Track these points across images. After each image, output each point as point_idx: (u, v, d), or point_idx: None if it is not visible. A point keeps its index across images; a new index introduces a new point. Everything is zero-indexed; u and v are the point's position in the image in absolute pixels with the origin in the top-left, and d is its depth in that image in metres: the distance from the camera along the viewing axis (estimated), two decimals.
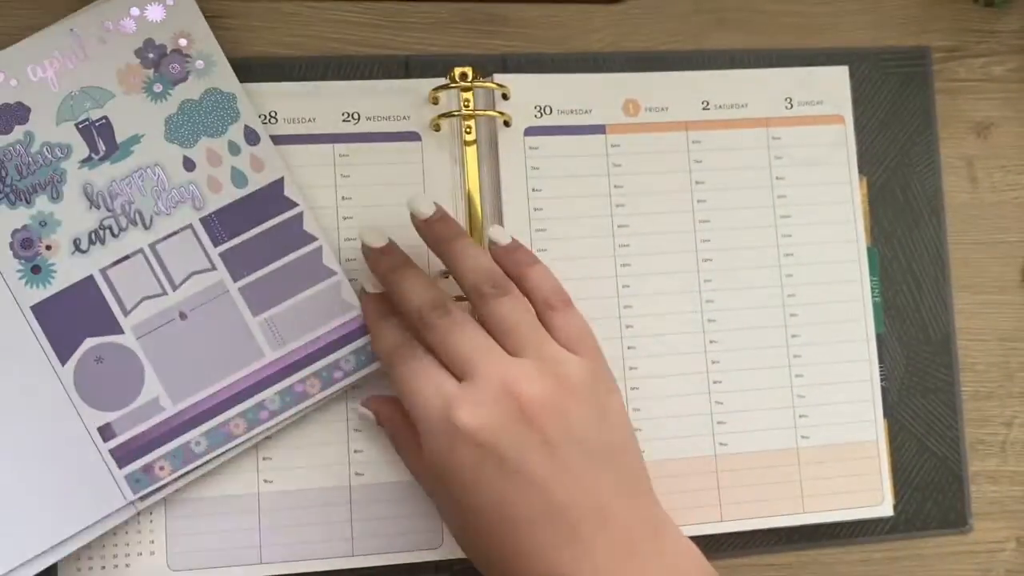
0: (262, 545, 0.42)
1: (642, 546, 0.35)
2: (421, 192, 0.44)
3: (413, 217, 0.40)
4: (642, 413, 0.45)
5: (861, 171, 0.48)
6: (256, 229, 0.42)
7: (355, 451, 0.43)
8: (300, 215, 0.43)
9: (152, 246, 0.42)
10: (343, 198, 0.44)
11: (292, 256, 0.42)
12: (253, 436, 0.42)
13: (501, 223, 0.44)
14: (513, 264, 0.40)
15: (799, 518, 0.45)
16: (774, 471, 0.45)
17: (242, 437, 0.41)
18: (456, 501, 0.36)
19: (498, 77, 0.45)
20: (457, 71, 0.45)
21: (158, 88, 0.42)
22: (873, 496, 0.46)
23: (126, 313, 0.41)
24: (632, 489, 0.36)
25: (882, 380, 0.47)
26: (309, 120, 0.44)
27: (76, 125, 0.42)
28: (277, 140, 0.43)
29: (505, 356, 0.37)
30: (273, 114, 0.44)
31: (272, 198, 0.42)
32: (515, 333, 0.37)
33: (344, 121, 0.44)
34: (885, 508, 0.46)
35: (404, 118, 0.45)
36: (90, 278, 0.41)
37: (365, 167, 0.44)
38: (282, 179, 0.43)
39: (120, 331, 0.41)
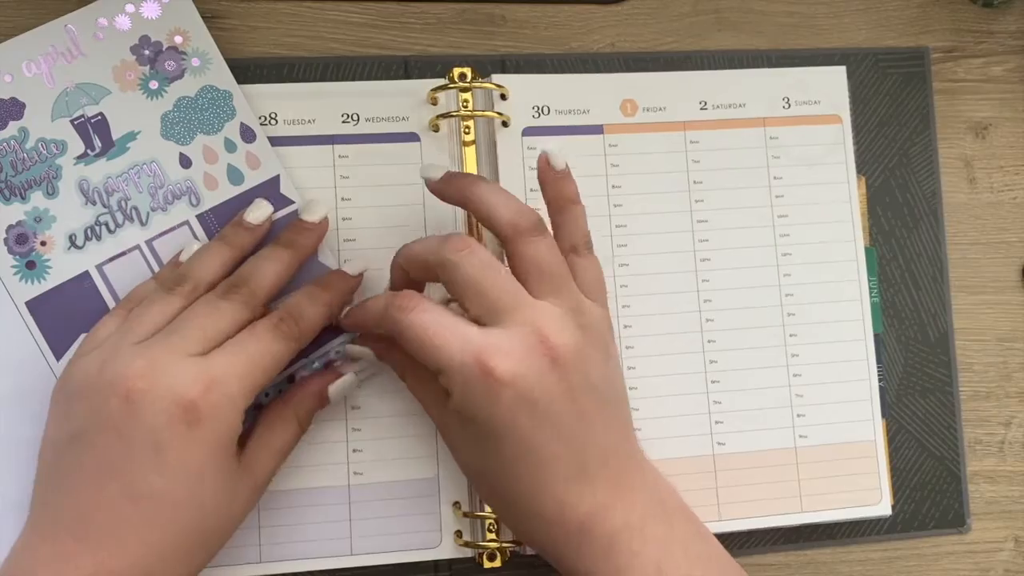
0: (261, 544, 0.42)
1: (632, 478, 0.38)
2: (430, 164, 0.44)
3: (428, 182, 0.41)
4: (641, 412, 0.45)
5: (860, 171, 0.48)
6: None
7: (354, 450, 0.43)
8: (296, 212, 0.43)
9: (148, 242, 0.42)
10: (342, 199, 0.44)
11: None
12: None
13: None
14: (558, 193, 0.40)
15: (797, 517, 0.45)
16: (772, 471, 0.45)
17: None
18: (484, 443, 0.37)
19: (496, 78, 0.45)
20: (456, 72, 0.45)
21: (154, 85, 0.42)
22: (871, 496, 0.46)
23: None
24: (625, 429, 0.39)
25: (880, 380, 0.47)
26: (309, 121, 0.44)
27: (71, 121, 0.42)
28: (277, 141, 0.43)
29: (534, 303, 0.37)
30: (273, 115, 0.44)
31: (268, 195, 0.43)
32: (547, 277, 0.38)
33: (343, 122, 0.44)
34: (883, 508, 0.46)
35: (403, 119, 0.45)
36: (86, 274, 0.41)
37: (364, 168, 0.44)
38: (278, 176, 0.43)
39: None
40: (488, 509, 0.43)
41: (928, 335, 0.49)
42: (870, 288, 0.47)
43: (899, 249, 0.49)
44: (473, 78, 0.45)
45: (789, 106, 0.47)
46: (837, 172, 0.47)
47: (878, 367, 0.47)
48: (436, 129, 0.45)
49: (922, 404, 0.48)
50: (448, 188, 0.40)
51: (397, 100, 0.45)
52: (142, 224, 0.42)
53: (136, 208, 0.42)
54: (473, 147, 0.45)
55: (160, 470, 0.35)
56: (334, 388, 0.41)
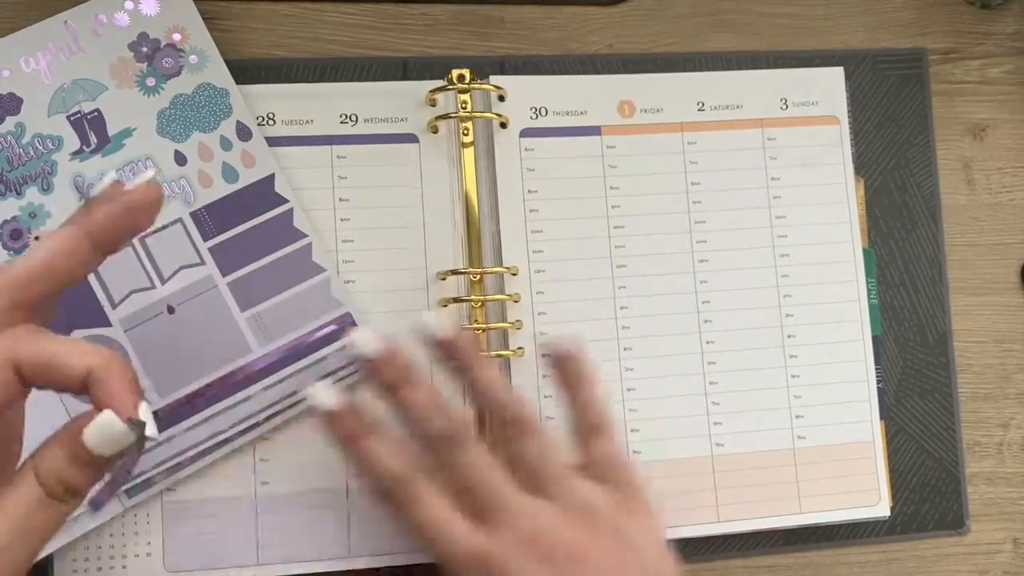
0: (258, 546, 0.42)
1: None
2: (431, 313, 0.40)
3: (425, 337, 0.37)
4: (639, 414, 0.45)
5: (858, 172, 0.48)
6: (246, 224, 0.42)
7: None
8: (290, 211, 0.43)
9: (141, 239, 0.42)
10: (340, 199, 0.44)
11: (281, 252, 0.43)
12: (240, 431, 0.42)
13: (498, 225, 0.45)
14: (568, 373, 0.39)
15: (796, 519, 0.45)
16: (771, 472, 0.45)
17: (229, 432, 0.41)
18: None
19: (495, 79, 0.45)
20: (455, 73, 0.45)
21: (151, 82, 0.42)
22: (870, 497, 0.46)
23: (114, 306, 0.41)
24: None
25: (879, 381, 0.47)
26: (307, 122, 0.44)
27: (68, 117, 0.42)
28: (275, 141, 0.43)
29: (528, 502, 0.36)
30: (271, 115, 0.44)
31: (263, 194, 0.43)
32: (541, 473, 0.37)
33: (342, 123, 0.44)
34: (882, 509, 0.46)
35: (402, 120, 0.45)
36: None
37: (363, 169, 0.44)
38: (273, 175, 0.43)
39: (108, 323, 0.41)
40: None
41: (927, 336, 0.49)
42: (868, 289, 0.47)
43: (897, 250, 0.49)
44: (472, 79, 0.45)
45: (787, 107, 0.47)
46: (835, 173, 0.47)
47: (877, 368, 0.47)
48: (435, 130, 0.45)
49: (921, 405, 0.48)
50: (444, 355, 0.37)
51: (396, 101, 0.45)
52: None
53: None
54: (471, 148, 0.45)
55: None
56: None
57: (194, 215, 0.42)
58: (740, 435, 0.45)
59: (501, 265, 0.44)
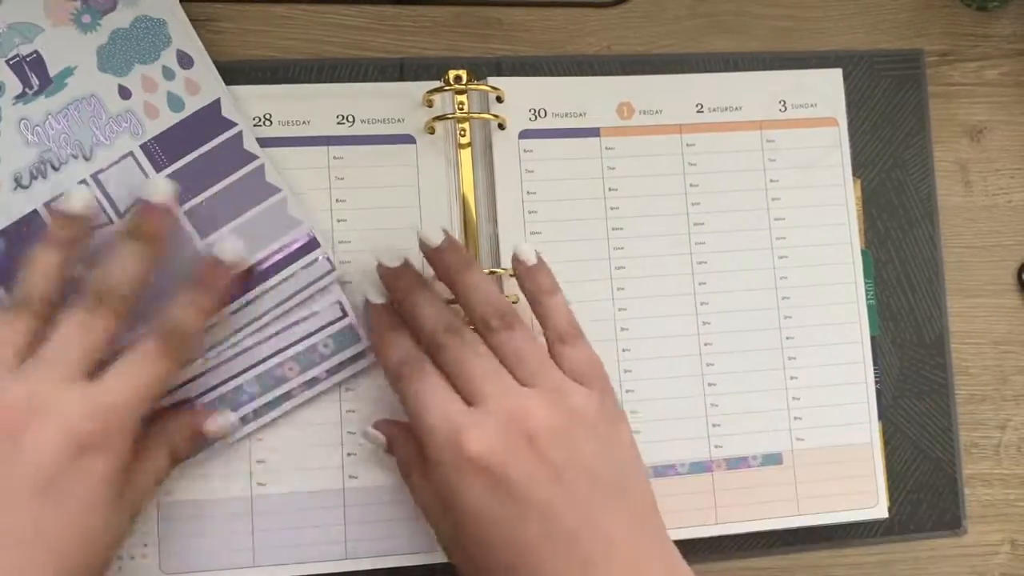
0: (255, 548, 0.42)
1: (648, 570, 0.35)
2: (432, 222, 0.44)
3: (422, 244, 0.40)
4: (638, 416, 0.45)
5: (855, 174, 0.48)
6: (196, 152, 0.42)
7: (348, 454, 0.43)
8: (240, 135, 0.43)
9: (94, 176, 0.42)
10: (337, 200, 0.44)
11: (235, 176, 0.42)
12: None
13: (496, 226, 0.44)
14: (534, 287, 0.40)
15: (794, 520, 0.45)
16: (769, 473, 0.45)
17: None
18: (464, 530, 0.36)
19: (492, 80, 0.45)
20: (452, 74, 0.45)
21: (86, 19, 0.42)
22: (868, 498, 0.46)
23: None
24: (639, 520, 0.36)
25: (876, 383, 0.47)
26: (303, 123, 0.44)
27: (7, 62, 0.42)
28: (271, 142, 0.43)
29: (515, 385, 0.37)
30: (268, 116, 0.44)
31: (210, 120, 0.43)
32: (524, 365, 0.38)
33: (339, 123, 0.44)
34: (880, 510, 0.46)
35: (399, 121, 0.45)
36: (34, 213, 0.41)
37: (360, 170, 0.44)
38: (219, 100, 0.43)
39: None
40: None
41: (924, 338, 0.49)
42: (866, 291, 0.47)
43: (895, 252, 0.49)
44: (469, 80, 0.45)
45: (785, 109, 0.47)
46: (833, 175, 0.47)
47: (874, 370, 0.47)
48: (432, 131, 0.44)
49: (918, 407, 0.48)
50: (437, 263, 0.40)
51: (393, 102, 0.45)
52: (86, 159, 0.42)
53: (79, 143, 0.42)
54: (469, 149, 0.45)
55: (48, 508, 0.33)
56: (214, 427, 0.40)
57: (144, 147, 0.42)
58: (738, 436, 0.45)
59: (499, 267, 0.44)
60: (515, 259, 0.41)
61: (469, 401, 0.37)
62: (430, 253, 0.40)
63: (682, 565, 0.37)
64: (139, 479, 0.38)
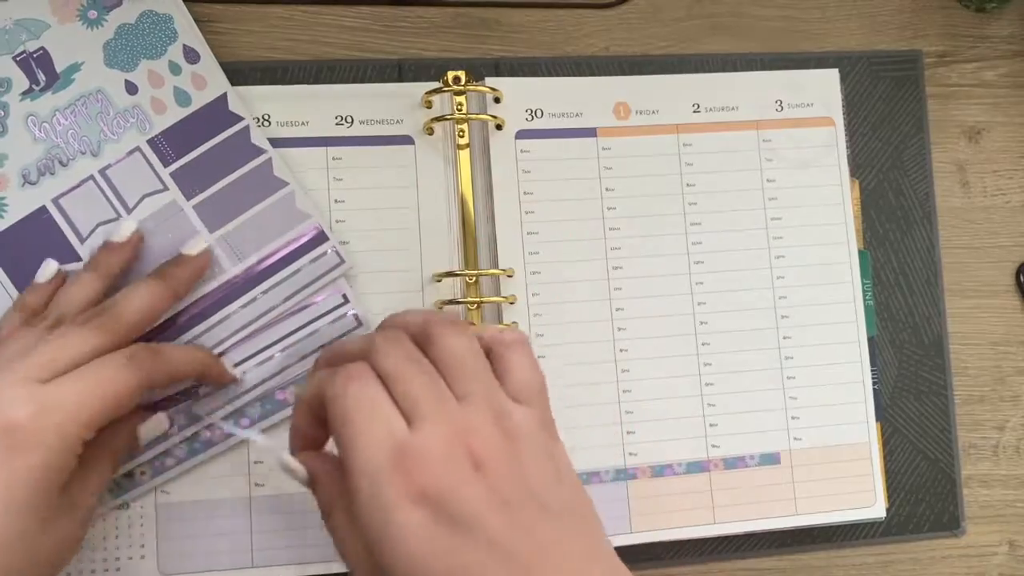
0: (253, 549, 0.42)
1: None
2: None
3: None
4: (634, 416, 0.45)
5: (853, 174, 0.48)
6: (204, 146, 0.43)
7: None
8: (247, 128, 0.43)
9: (102, 172, 0.42)
10: (336, 201, 0.44)
11: (243, 170, 0.43)
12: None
13: (494, 226, 0.45)
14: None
15: (791, 520, 0.45)
16: (766, 473, 0.45)
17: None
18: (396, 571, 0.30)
19: (490, 81, 0.45)
20: (450, 75, 0.45)
21: (92, 15, 0.42)
22: (865, 498, 0.46)
23: (82, 240, 0.41)
24: (589, 543, 0.33)
25: (874, 383, 0.47)
26: (302, 123, 0.44)
27: (14, 58, 0.42)
28: (271, 143, 0.43)
29: (455, 405, 0.32)
30: (266, 117, 0.44)
31: (217, 114, 0.43)
32: (461, 374, 0.33)
33: (337, 124, 0.44)
34: (877, 510, 0.46)
35: (397, 122, 0.45)
36: (43, 208, 0.41)
37: (358, 170, 0.44)
38: (225, 94, 0.43)
39: (78, 258, 0.41)
40: None
41: (922, 338, 0.49)
42: (864, 291, 0.47)
43: (893, 252, 0.49)
44: (467, 81, 0.45)
45: (782, 109, 0.48)
46: (830, 175, 0.47)
47: (872, 370, 0.47)
48: (430, 132, 0.45)
49: (916, 407, 0.48)
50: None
51: (391, 103, 0.45)
52: (94, 155, 0.42)
53: (87, 139, 0.42)
54: (467, 150, 0.45)
55: None
56: (144, 429, 0.40)
57: (151, 142, 0.42)
58: (736, 437, 0.45)
59: (497, 267, 0.44)
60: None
61: (408, 417, 0.32)
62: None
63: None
64: (83, 484, 0.36)
